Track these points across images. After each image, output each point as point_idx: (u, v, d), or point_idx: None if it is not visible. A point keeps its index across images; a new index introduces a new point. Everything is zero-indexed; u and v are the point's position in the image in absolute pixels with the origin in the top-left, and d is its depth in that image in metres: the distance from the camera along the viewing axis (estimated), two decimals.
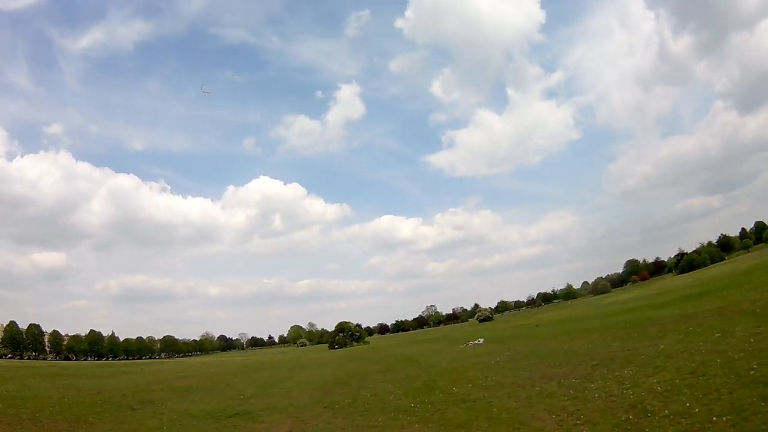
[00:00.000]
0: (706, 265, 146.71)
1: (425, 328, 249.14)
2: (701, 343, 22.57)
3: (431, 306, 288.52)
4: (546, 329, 59.41)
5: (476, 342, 55.22)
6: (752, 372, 15.35)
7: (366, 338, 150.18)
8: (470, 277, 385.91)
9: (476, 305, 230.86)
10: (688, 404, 14.21)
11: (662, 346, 24.40)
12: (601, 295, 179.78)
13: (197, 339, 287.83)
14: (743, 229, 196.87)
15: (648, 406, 15.11)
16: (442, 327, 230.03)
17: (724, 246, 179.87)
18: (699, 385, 15.86)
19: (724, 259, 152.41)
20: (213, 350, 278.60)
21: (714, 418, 12.82)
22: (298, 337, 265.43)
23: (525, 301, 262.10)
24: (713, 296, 44.99)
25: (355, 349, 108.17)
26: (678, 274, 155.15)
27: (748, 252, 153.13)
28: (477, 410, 19.90)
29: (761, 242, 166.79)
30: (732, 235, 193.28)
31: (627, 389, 17.76)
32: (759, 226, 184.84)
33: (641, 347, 25.74)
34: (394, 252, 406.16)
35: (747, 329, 22.68)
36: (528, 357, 32.41)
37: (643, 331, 32.43)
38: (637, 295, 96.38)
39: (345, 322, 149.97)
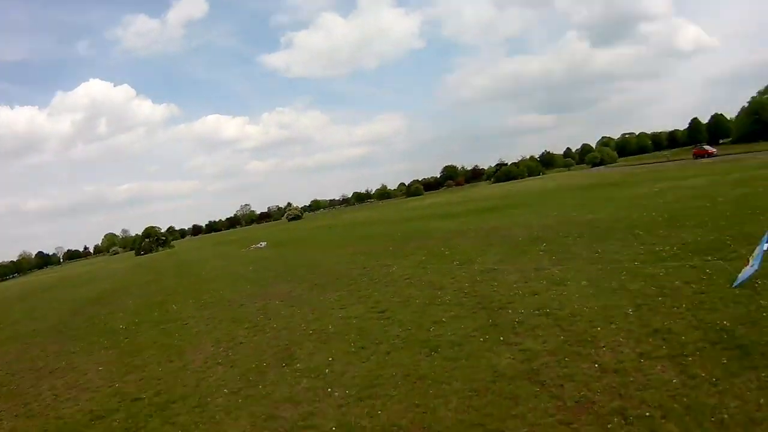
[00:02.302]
0: (523, 178, 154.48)
1: (237, 228, 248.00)
2: (425, 274, 21.91)
3: (245, 205, 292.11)
4: (335, 232, 60.52)
5: (258, 245, 56.19)
6: (357, 348, 13.77)
7: (172, 242, 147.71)
8: (291, 176, 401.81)
9: (289, 204, 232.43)
10: (300, 365, 13.01)
11: (395, 268, 24.39)
12: (412, 197, 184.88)
13: (14, 260, 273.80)
14: (568, 148, 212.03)
15: (273, 362, 13.80)
16: (253, 226, 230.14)
17: (546, 162, 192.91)
18: (334, 341, 14.62)
19: (541, 174, 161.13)
20: (30, 269, 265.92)
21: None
22: (111, 245, 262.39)
23: (339, 200, 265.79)
24: (499, 213, 46.08)
25: (156, 255, 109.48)
26: (493, 183, 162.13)
27: (569, 171, 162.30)
28: (149, 336, 20.14)
29: (583, 163, 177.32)
30: (557, 153, 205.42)
31: (284, 329, 16.92)
32: (585, 148, 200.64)
33: (378, 267, 25.63)
34: (217, 151, 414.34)
35: (462, 269, 21.96)
36: (276, 268, 32.80)
37: (404, 246, 32.48)
38: (441, 201, 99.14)
39: (152, 227, 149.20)
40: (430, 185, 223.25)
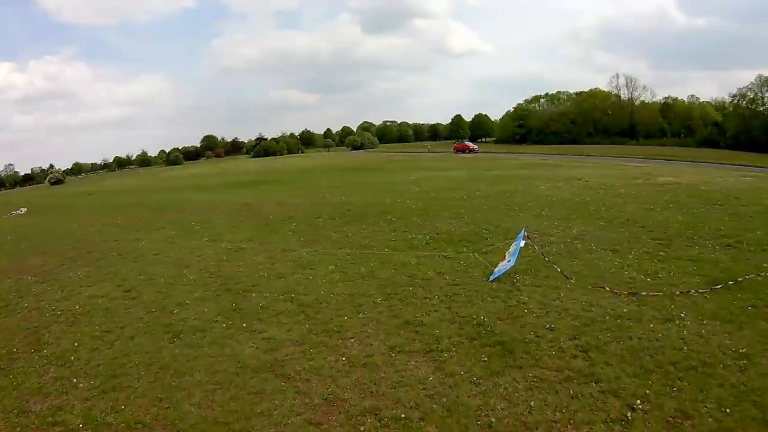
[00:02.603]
0: (282, 155, 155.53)
1: (3, 191, 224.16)
2: (174, 250, 21.50)
3: (9, 165, 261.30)
4: (94, 200, 56.17)
5: (18, 212, 51.75)
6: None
7: None
8: (54, 134, 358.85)
9: (51, 166, 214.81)
10: (47, 351, 12.06)
11: (144, 243, 23.62)
12: (172, 166, 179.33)
13: None
14: (329, 129, 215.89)
15: (23, 347, 12.54)
16: (17, 189, 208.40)
17: (306, 141, 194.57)
18: (81, 323, 13.76)
19: (300, 152, 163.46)
20: None
21: None
22: None
23: (101, 164, 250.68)
24: (254, 189, 46.00)
25: None
26: (252, 157, 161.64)
27: (328, 151, 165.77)
28: None
29: (343, 145, 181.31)
30: (317, 132, 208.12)
31: (35, 309, 15.47)
32: (345, 131, 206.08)
33: (129, 241, 24.65)
34: None
35: (210, 246, 21.74)
36: (33, 238, 29.57)
37: (157, 218, 31.62)
38: (200, 172, 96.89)
39: None
40: (190, 155, 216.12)
